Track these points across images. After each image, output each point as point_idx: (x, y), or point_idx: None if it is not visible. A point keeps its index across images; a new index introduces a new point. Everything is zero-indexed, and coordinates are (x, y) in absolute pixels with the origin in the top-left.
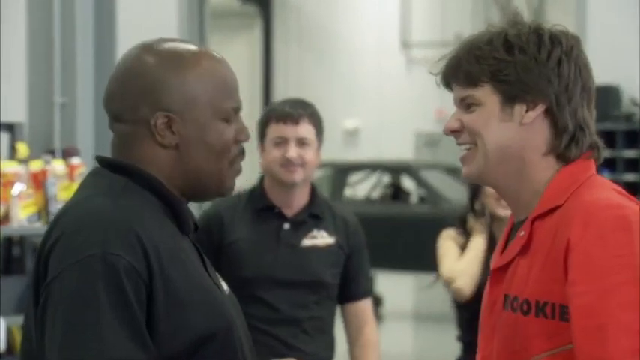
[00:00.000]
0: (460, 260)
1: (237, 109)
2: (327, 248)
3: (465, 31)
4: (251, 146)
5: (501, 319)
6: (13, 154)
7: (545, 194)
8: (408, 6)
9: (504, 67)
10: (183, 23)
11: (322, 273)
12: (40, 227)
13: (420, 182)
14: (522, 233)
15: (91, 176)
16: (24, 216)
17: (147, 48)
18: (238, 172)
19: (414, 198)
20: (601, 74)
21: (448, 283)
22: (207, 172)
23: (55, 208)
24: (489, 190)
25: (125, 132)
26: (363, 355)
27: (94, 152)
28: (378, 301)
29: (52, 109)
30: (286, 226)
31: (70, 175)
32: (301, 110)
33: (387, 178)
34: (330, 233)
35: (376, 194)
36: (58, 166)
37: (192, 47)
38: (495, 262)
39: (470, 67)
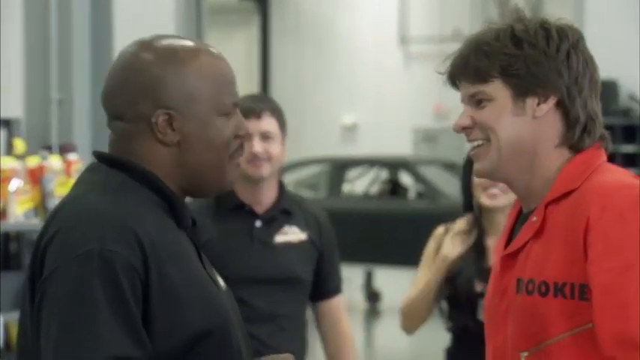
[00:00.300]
0: (412, 292)
1: (236, 104)
2: (301, 244)
3: (463, 26)
4: None
5: (515, 304)
6: (10, 149)
7: (558, 180)
8: (406, 1)
9: (514, 62)
10: (181, 19)
11: (297, 269)
12: (37, 223)
13: (418, 178)
14: (535, 219)
15: (88, 172)
16: (21, 212)
17: (144, 45)
18: (237, 166)
19: (412, 193)
20: (599, 69)
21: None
22: (209, 167)
23: (52, 203)
24: (477, 180)
25: (125, 129)
26: (340, 352)
27: (91, 148)
28: (376, 297)
29: (48, 105)
30: (258, 223)
31: (67, 171)
32: (262, 104)
33: (385, 174)
34: (302, 229)
35: (374, 190)
36: (54, 161)
37: (189, 43)
38: (502, 249)
39: (479, 63)
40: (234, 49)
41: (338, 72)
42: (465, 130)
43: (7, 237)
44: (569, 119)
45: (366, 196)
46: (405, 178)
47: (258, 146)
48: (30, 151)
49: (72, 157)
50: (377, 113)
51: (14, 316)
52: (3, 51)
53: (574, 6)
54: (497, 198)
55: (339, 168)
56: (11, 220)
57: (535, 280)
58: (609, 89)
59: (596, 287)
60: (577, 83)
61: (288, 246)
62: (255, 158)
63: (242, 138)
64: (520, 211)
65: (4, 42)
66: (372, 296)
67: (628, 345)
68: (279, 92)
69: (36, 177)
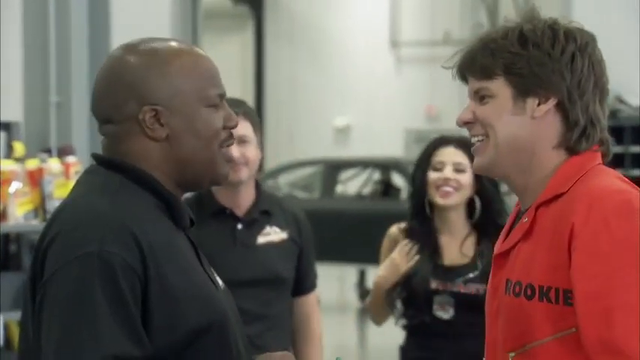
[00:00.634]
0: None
1: (222, 96)
2: (282, 243)
3: (453, 30)
4: None
5: (504, 304)
6: (9, 152)
7: (551, 182)
8: (397, 6)
9: (518, 61)
10: (177, 23)
11: (280, 268)
12: (37, 224)
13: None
14: (525, 220)
15: (87, 174)
16: (20, 213)
17: (127, 48)
18: (229, 158)
19: (403, 194)
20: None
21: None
22: (200, 159)
23: (51, 205)
24: (431, 179)
25: (115, 132)
26: (307, 346)
27: (89, 150)
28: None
29: (47, 108)
30: (240, 226)
31: (66, 173)
32: (236, 108)
33: (377, 175)
34: (282, 228)
35: (367, 190)
36: (53, 164)
37: (170, 43)
38: (497, 248)
39: (485, 60)
40: (229, 54)
41: (331, 75)
42: (466, 124)
43: (6, 238)
44: (568, 122)
45: (359, 197)
46: (397, 179)
47: (235, 151)
48: (29, 154)
49: (70, 159)
50: (369, 115)
51: (14, 316)
52: (2, 54)
53: (561, 7)
54: (451, 196)
55: (332, 169)
56: (11, 221)
57: (522, 282)
58: None
59: (580, 293)
60: (579, 86)
61: (270, 246)
62: (232, 163)
63: (231, 129)
64: (519, 210)
65: (3, 45)
66: (366, 295)
67: (612, 351)
68: (273, 95)
69: (35, 179)
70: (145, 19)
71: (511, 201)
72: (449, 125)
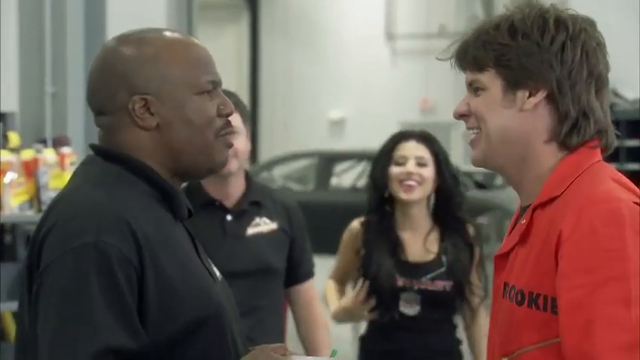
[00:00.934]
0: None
1: (215, 83)
2: (272, 234)
3: (449, 23)
4: None
5: (502, 308)
6: (4, 143)
7: (547, 183)
8: None
9: (507, 52)
10: (173, 14)
11: (271, 259)
12: (32, 215)
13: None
14: (523, 221)
15: (85, 165)
16: (15, 204)
17: (119, 39)
18: (228, 145)
19: None
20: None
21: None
22: (193, 147)
23: (46, 196)
24: (393, 173)
25: (108, 123)
26: (313, 333)
27: (85, 141)
28: None
29: (43, 98)
30: (229, 217)
31: (61, 164)
32: None
33: None
34: (272, 218)
35: (361, 183)
36: (49, 154)
37: (163, 32)
38: (499, 249)
39: (476, 52)
40: (224, 45)
41: (326, 68)
42: (462, 117)
43: (2, 228)
44: (559, 114)
45: (354, 189)
46: None
47: None
48: (24, 145)
49: (66, 150)
50: (364, 108)
51: (9, 307)
52: None
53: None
54: (414, 191)
55: (327, 162)
56: (6, 212)
57: (515, 287)
58: None
59: (564, 303)
60: (570, 77)
61: (260, 237)
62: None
63: (227, 116)
64: (520, 207)
65: None
66: None
67: (593, 358)
68: (268, 87)
69: (30, 170)
70: (140, 10)
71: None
72: (443, 118)
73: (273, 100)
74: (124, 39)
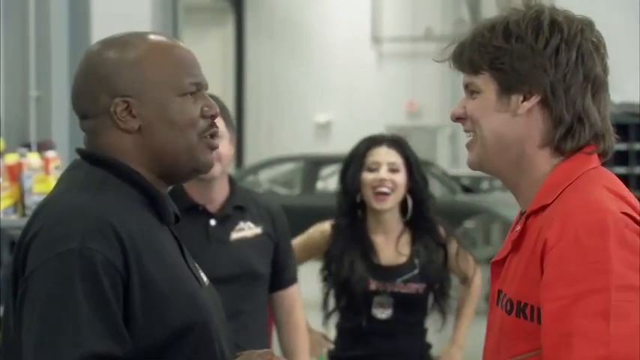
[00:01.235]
0: None
1: (198, 85)
2: (256, 238)
3: (435, 26)
4: None
5: (496, 315)
6: None
7: (540, 190)
8: (379, 1)
9: (501, 56)
10: (157, 18)
11: (255, 263)
12: (16, 219)
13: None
14: (518, 228)
15: (70, 170)
16: (0, 208)
17: (103, 43)
18: (212, 147)
19: None
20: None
21: None
22: (176, 149)
23: (31, 200)
24: (366, 180)
25: (92, 126)
26: (293, 338)
27: (69, 145)
28: None
29: (27, 102)
30: (213, 222)
31: (45, 168)
32: None
33: None
34: (256, 223)
35: None
36: (33, 159)
37: (147, 35)
38: (496, 254)
39: (471, 55)
40: (209, 48)
41: (312, 71)
42: (458, 120)
43: None
44: (553, 119)
45: None
46: None
47: None
48: (9, 149)
49: (50, 154)
50: (350, 111)
51: None
52: None
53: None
54: (387, 200)
55: (313, 165)
56: None
57: (506, 295)
58: None
59: (545, 314)
60: (564, 81)
61: (244, 241)
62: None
63: (211, 118)
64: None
65: None
66: None
67: None
68: (253, 91)
69: (14, 174)
70: (125, 14)
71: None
72: (430, 121)
73: (259, 104)
74: (107, 42)
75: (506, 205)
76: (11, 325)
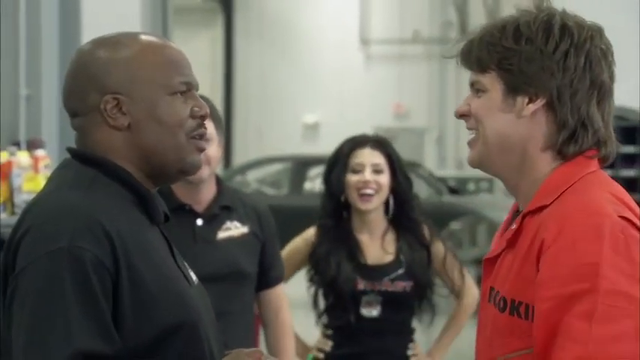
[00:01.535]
0: None
1: (189, 84)
2: (243, 238)
3: (422, 28)
4: None
5: (488, 312)
6: None
7: (539, 191)
8: (367, 4)
9: (510, 56)
10: (147, 19)
11: (242, 262)
12: (6, 218)
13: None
14: (514, 226)
15: (60, 168)
16: None
17: (93, 42)
18: (200, 148)
19: None
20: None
21: None
22: (164, 147)
23: (20, 198)
24: (351, 181)
25: (82, 124)
26: (280, 337)
27: (59, 144)
28: None
29: (17, 101)
30: (199, 221)
31: (35, 167)
32: None
33: None
34: (243, 222)
35: None
36: (22, 157)
37: (138, 35)
38: (488, 252)
39: (480, 54)
40: (199, 49)
41: (301, 72)
42: (462, 117)
43: None
44: (557, 123)
45: None
46: None
47: None
48: None
49: (40, 153)
50: (338, 112)
51: None
52: None
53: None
54: (371, 201)
55: (301, 166)
56: None
57: (500, 292)
58: None
59: (538, 312)
60: (571, 85)
61: (231, 241)
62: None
63: (201, 118)
64: (517, 210)
65: None
66: None
67: None
68: (242, 91)
69: (4, 172)
70: (115, 16)
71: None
72: (417, 123)
73: (248, 104)
74: (98, 42)
75: (492, 206)
76: (1, 323)
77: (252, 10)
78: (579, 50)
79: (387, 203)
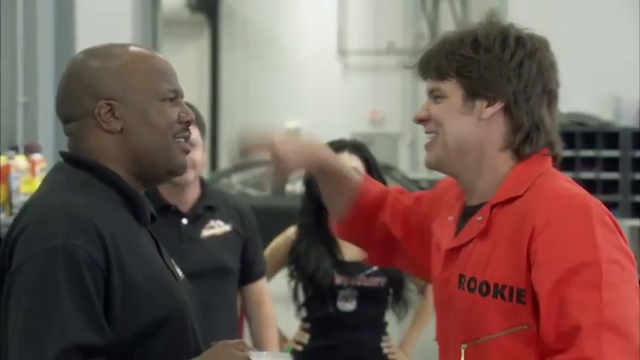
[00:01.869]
0: None
1: (175, 92)
2: (225, 235)
3: (397, 40)
4: None
5: (456, 298)
6: None
7: (504, 185)
8: (344, 17)
9: (469, 64)
10: (137, 31)
11: (225, 259)
12: (4, 218)
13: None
14: (480, 218)
15: (54, 171)
16: None
17: (86, 52)
18: (185, 150)
19: None
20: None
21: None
22: (154, 149)
23: (18, 200)
24: None
25: (76, 129)
26: (262, 328)
27: (54, 148)
28: None
29: (15, 108)
30: (184, 221)
31: (32, 170)
32: None
33: None
34: (225, 221)
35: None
36: (20, 161)
37: (128, 46)
38: (449, 240)
39: (439, 62)
40: (186, 60)
41: (282, 81)
42: (421, 122)
43: None
44: (513, 124)
45: None
46: None
47: None
48: None
49: (36, 156)
50: (318, 119)
51: None
52: None
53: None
54: None
55: None
56: None
57: (477, 278)
58: None
59: (542, 290)
60: (525, 91)
61: (214, 238)
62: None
63: (187, 124)
64: (464, 205)
65: None
66: None
67: (569, 336)
68: (227, 100)
69: (3, 175)
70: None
71: None
72: (391, 128)
73: (232, 111)
74: (91, 52)
75: None
76: None
77: (237, 24)
78: (532, 59)
79: None
